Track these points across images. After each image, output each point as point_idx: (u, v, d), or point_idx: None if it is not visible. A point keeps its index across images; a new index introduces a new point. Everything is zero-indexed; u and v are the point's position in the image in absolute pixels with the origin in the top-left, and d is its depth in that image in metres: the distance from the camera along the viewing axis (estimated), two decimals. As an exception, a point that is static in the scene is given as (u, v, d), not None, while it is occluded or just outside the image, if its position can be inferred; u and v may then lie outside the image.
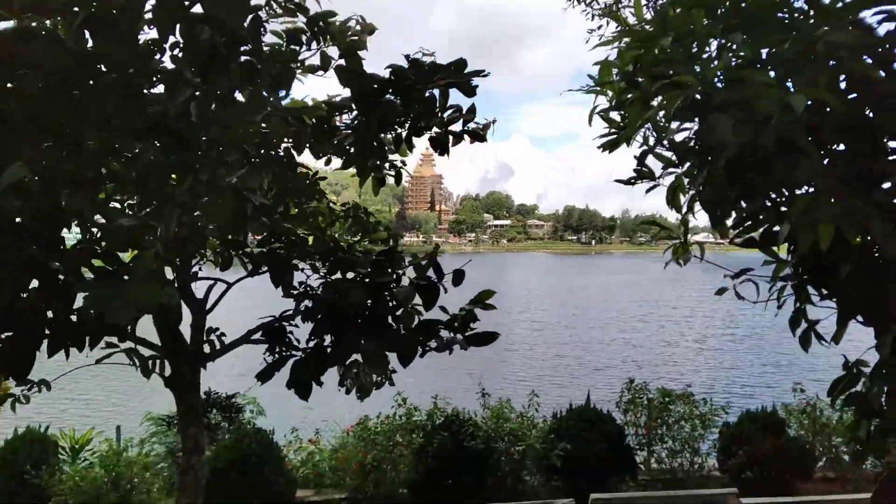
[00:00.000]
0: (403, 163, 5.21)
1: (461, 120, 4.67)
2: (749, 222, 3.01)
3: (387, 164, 5.16)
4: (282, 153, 4.42)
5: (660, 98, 3.21)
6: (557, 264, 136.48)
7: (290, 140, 4.56)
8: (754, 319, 42.53)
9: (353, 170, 4.79)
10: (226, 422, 13.90)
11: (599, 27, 10.37)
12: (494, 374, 23.30)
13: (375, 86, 2.95)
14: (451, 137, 4.70)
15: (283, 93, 3.16)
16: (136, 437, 11.63)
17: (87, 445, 11.74)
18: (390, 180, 5.16)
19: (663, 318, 43.04)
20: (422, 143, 5.12)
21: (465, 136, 4.74)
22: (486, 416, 9.60)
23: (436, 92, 3.59)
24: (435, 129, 4.69)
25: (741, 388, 22.32)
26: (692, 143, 3.12)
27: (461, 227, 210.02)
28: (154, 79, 2.57)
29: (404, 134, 4.69)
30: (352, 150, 4.73)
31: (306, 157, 4.90)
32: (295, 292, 3.69)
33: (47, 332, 2.59)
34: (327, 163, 5.06)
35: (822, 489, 9.28)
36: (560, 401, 11.67)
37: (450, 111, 4.65)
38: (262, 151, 3.51)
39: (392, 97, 3.09)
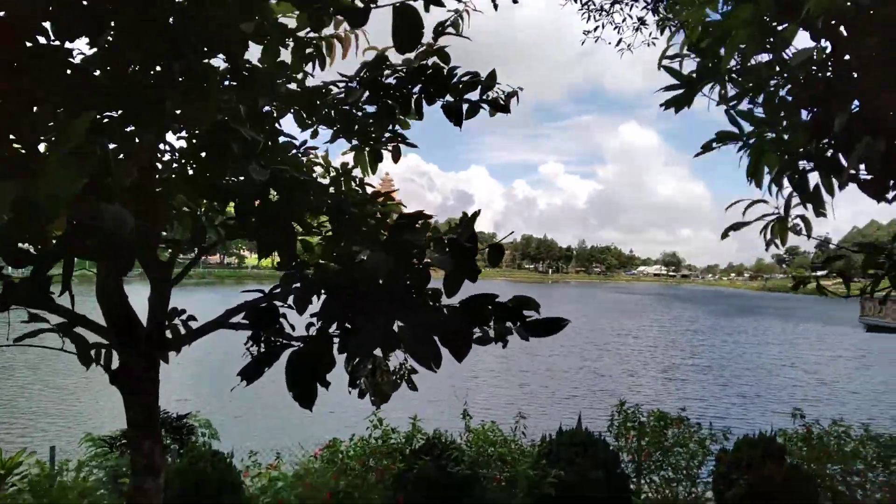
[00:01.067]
0: (404, 136, 4.46)
1: (479, 88, 3.97)
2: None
3: (385, 136, 4.40)
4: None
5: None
6: (515, 291, 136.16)
7: (274, 104, 3.77)
8: (713, 350, 42.76)
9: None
10: (175, 444, 12.73)
11: (595, 28, 9.89)
12: (457, 404, 22.33)
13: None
14: (466, 106, 3.98)
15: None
16: (73, 459, 10.37)
17: (17, 469, 10.40)
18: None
19: (626, 348, 42.86)
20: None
21: (484, 107, 4.03)
22: (469, 441, 8.77)
23: None
24: (448, 97, 3.98)
25: (714, 418, 21.92)
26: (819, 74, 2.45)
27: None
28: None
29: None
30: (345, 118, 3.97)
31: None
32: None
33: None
34: (313, 135, 4.29)
35: (828, 521, 8.69)
36: (530, 431, 10.79)
37: (467, 76, 3.95)
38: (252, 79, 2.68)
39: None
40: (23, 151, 1.69)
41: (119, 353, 2.75)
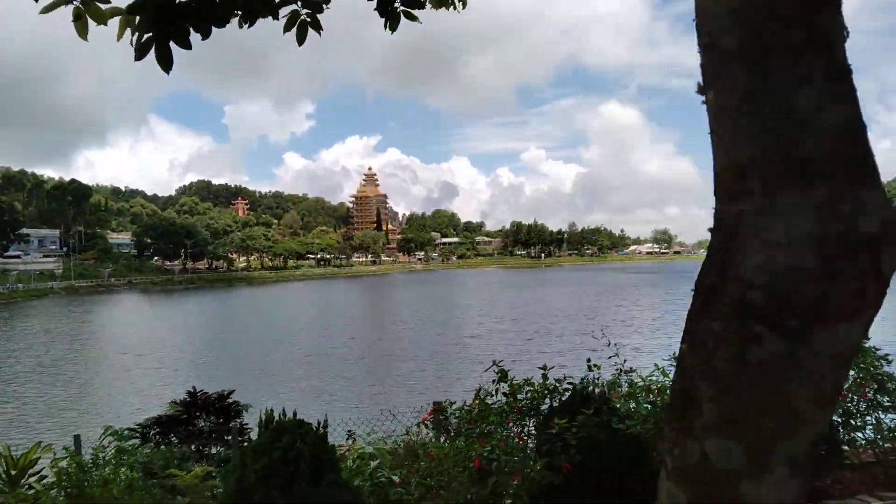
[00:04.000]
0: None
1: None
2: None
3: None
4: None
5: None
6: (508, 278, 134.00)
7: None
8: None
9: None
10: (220, 432, 10.77)
11: None
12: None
13: None
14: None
15: None
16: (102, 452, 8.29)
17: (32, 467, 8.28)
18: None
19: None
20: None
21: None
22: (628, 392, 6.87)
23: None
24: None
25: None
26: None
27: (410, 245, 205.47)
28: None
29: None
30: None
31: None
32: None
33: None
34: None
35: None
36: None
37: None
38: None
39: None
40: None
41: None
